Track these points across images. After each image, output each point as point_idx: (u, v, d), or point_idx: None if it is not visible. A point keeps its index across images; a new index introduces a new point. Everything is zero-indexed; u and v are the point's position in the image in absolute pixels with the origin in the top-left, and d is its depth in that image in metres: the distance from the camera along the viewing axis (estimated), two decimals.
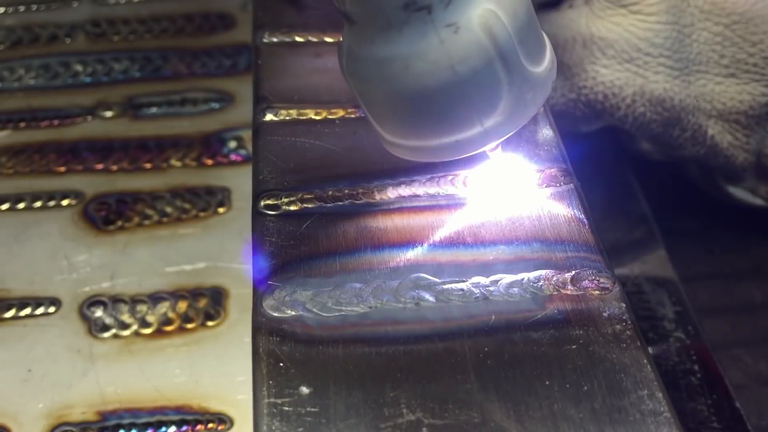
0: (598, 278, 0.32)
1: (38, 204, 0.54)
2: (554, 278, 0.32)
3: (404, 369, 0.30)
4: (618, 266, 0.50)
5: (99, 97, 0.60)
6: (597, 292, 0.32)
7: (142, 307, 0.48)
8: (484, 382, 0.29)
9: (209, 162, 0.56)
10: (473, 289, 0.32)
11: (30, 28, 0.65)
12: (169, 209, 0.53)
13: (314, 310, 0.32)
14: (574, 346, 0.30)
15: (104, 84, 0.61)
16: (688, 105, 0.50)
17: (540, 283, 0.32)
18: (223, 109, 0.59)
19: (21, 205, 0.54)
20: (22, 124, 0.58)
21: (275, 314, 0.31)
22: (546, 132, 0.38)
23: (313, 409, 0.29)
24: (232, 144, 0.57)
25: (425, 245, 0.34)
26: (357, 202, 0.36)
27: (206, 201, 0.53)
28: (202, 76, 0.61)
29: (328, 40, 0.44)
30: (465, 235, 0.34)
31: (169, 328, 0.47)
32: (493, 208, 0.35)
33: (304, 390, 0.29)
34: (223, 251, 0.50)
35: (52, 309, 0.48)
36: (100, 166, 0.56)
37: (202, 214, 0.53)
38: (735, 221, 0.56)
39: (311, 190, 0.36)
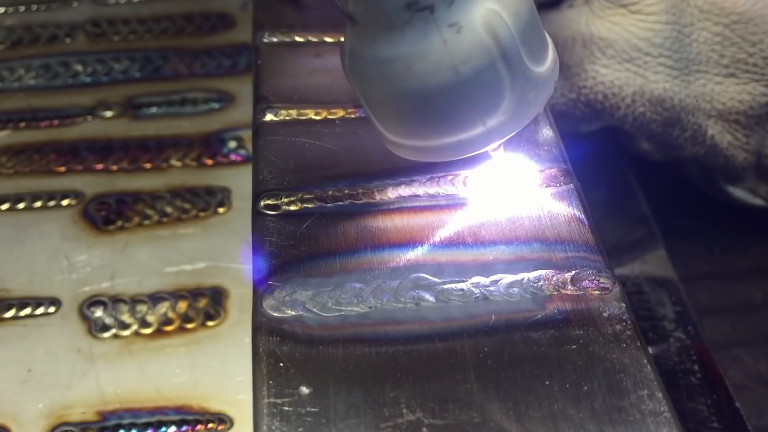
0: (598, 278, 0.32)
1: (38, 204, 0.54)
2: (554, 278, 0.32)
3: (404, 369, 0.30)
4: (618, 266, 0.50)
5: (99, 97, 0.60)
6: (597, 292, 0.32)
7: (142, 307, 0.48)
8: (484, 382, 0.29)
9: (209, 162, 0.56)
10: (473, 289, 0.32)
11: (30, 28, 0.65)
12: (169, 209, 0.53)
13: (314, 310, 0.32)
14: (574, 346, 0.30)
15: (104, 84, 0.61)
16: (688, 105, 0.50)
17: (540, 283, 0.32)
18: (223, 109, 0.59)
19: (21, 205, 0.54)
20: (22, 124, 0.58)
21: (275, 314, 0.31)
22: (546, 132, 0.38)
23: (313, 409, 0.29)
24: (232, 144, 0.57)
25: (425, 245, 0.34)
26: (357, 202, 0.36)
27: (206, 201, 0.53)
28: (202, 76, 0.61)
29: (328, 40, 0.44)
30: (465, 235, 0.34)
31: (169, 328, 0.47)
32: (493, 208, 0.35)
33: (304, 390, 0.29)
34: (223, 251, 0.50)
35: (52, 309, 0.48)
36: (100, 166, 0.56)
37: (202, 214, 0.53)
38: (735, 221, 0.56)
39: (311, 190, 0.36)
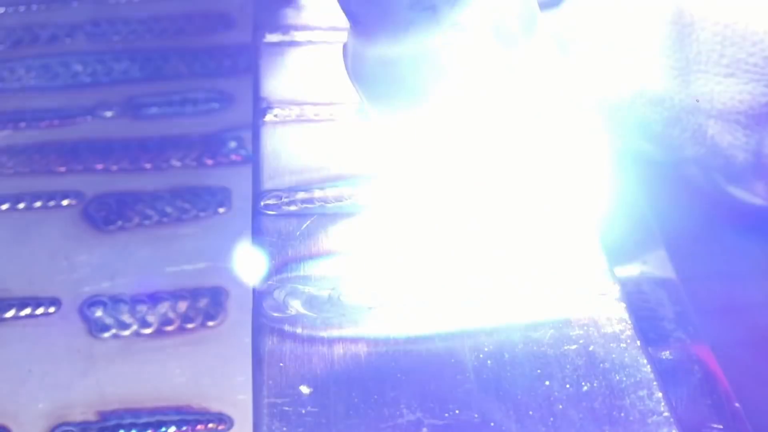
0: (598, 279, 0.32)
1: (38, 204, 0.54)
2: (552, 278, 0.32)
3: (404, 369, 0.30)
4: (618, 266, 0.50)
5: (99, 97, 0.60)
6: (597, 292, 0.32)
7: (142, 307, 0.48)
8: (484, 382, 0.29)
9: (209, 162, 0.56)
10: (473, 289, 0.32)
11: (30, 28, 0.65)
12: (169, 209, 0.53)
13: (314, 310, 0.32)
14: (574, 346, 0.30)
15: (104, 84, 0.61)
16: (688, 105, 0.50)
17: (538, 284, 0.32)
18: (223, 109, 0.59)
19: (21, 205, 0.54)
20: (22, 124, 0.58)
21: (275, 314, 0.31)
22: None
23: (313, 409, 0.29)
24: (232, 144, 0.57)
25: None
26: (357, 202, 0.36)
27: (206, 201, 0.53)
28: (202, 76, 0.61)
29: (328, 40, 0.44)
30: (461, 234, 0.34)
31: (169, 328, 0.47)
32: (491, 208, 0.35)
33: (304, 390, 0.29)
34: (223, 251, 0.50)
35: (52, 309, 0.48)
36: (100, 166, 0.56)
37: (202, 214, 0.53)
38: (735, 221, 0.56)
39: (311, 190, 0.36)
